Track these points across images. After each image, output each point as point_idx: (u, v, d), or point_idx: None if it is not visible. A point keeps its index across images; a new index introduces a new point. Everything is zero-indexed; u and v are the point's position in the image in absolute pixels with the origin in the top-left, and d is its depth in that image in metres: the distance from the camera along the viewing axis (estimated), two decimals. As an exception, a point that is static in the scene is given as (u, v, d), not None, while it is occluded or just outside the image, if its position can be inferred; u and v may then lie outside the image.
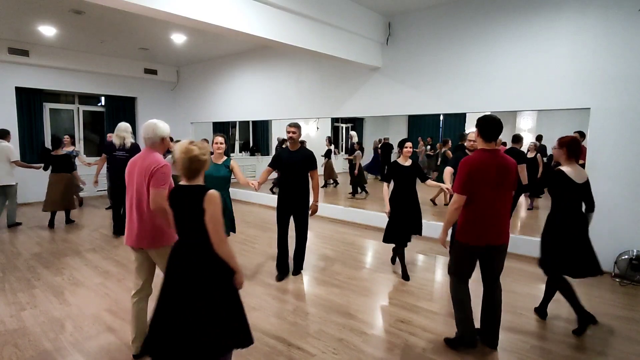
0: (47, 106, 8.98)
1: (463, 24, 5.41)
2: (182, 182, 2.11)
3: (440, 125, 12.96)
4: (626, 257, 4.28)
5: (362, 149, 9.54)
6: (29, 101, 8.51)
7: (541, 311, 3.41)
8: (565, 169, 3.08)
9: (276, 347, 2.86)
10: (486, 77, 5.25)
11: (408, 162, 4.23)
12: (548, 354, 2.82)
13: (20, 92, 8.31)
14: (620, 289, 4.09)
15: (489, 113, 2.82)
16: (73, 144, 7.53)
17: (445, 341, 2.95)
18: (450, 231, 3.27)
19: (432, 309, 3.53)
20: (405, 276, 4.28)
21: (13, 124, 8.17)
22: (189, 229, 2.04)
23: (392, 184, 4.27)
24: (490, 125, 2.66)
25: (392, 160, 7.17)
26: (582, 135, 5.07)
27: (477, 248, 2.71)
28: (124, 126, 5.86)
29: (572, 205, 3.12)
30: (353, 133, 10.39)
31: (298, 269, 4.40)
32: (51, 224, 6.46)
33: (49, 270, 4.45)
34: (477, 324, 2.89)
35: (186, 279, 1.99)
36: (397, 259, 4.50)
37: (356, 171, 9.08)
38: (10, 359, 2.69)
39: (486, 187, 2.63)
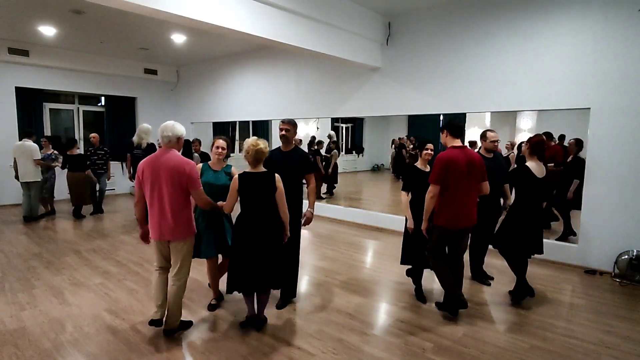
0: (47, 106, 8.98)
1: (463, 24, 5.41)
2: (249, 170, 2.94)
3: (440, 126, 12.95)
4: (626, 257, 4.28)
5: (338, 149, 9.51)
6: (29, 101, 8.51)
7: (521, 291, 3.63)
8: (529, 164, 3.54)
9: (276, 347, 2.86)
10: (486, 77, 5.26)
11: (428, 168, 3.56)
12: (548, 354, 2.82)
13: (20, 92, 8.31)
14: (620, 289, 4.09)
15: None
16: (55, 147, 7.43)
17: (436, 305, 3.51)
18: None
19: (432, 309, 3.53)
20: (421, 297, 3.72)
21: (13, 124, 8.19)
22: (260, 202, 2.90)
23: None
24: (457, 126, 3.31)
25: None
26: (550, 136, 5.71)
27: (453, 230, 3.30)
28: (145, 128, 6.55)
29: (530, 196, 3.55)
30: (332, 133, 10.32)
31: (286, 299, 3.58)
32: (78, 215, 7.17)
33: (49, 270, 4.45)
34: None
35: (264, 230, 2.89)
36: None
37: (330, 170, 9.04)
38: (10, 359, 2.69)
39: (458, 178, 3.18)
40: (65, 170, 7.08)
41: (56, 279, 4.18)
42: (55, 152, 7.17)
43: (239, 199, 2.95)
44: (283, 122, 3.47)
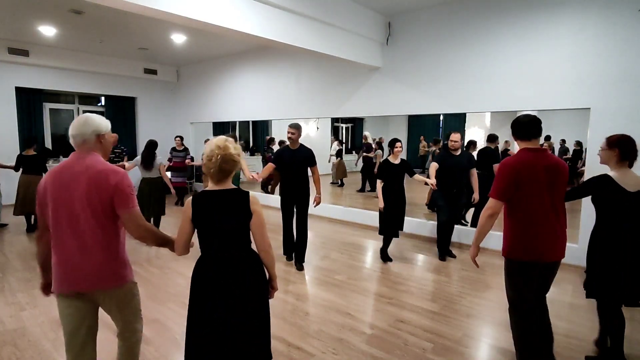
0: (47, 106, 8.98)
1: (463, 24, 5.41)
2: (210, 187, 1.90)
3: (440, 125, 12.96)
4: (626, 257, 4.25)
5: (381, 148, 9.62)
6: (29, 101, 8.51)
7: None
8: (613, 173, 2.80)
9: (276, 347, 2.86)
10: (486, 77, 5.25)
11: (397, 161, 4.65)
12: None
13: (20, 92, 8.31)
14: (620, 289, 4.08)
15: (527, 113, 2.47)
16: None
17: None
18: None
19: (432, 309, 3.53)
20: (386, 257, 4.86)
21: (13, 124, 8.19)
22: (229, 237, 1.87)
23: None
24: (525, 124, 2.38)
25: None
26: (547, 138, 5.88)
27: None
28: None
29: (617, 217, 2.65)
30: (367, 133, 10.55)
31: (300, 262, 4.63)
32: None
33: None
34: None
35: (237, 292, 1.87)
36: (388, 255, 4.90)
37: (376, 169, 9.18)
38: (10, 359, 2.69)
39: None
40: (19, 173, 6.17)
41: (56, 279, 4.18)
42: None
43: (195, 233, 1.95)
44: (290, 126, 4.46)
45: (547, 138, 5.64)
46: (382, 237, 4.89)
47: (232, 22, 4.26)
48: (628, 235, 2.49)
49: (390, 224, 4.70)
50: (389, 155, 4.76)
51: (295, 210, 4.62)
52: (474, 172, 5.01)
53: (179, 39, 7.44)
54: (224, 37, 6.18)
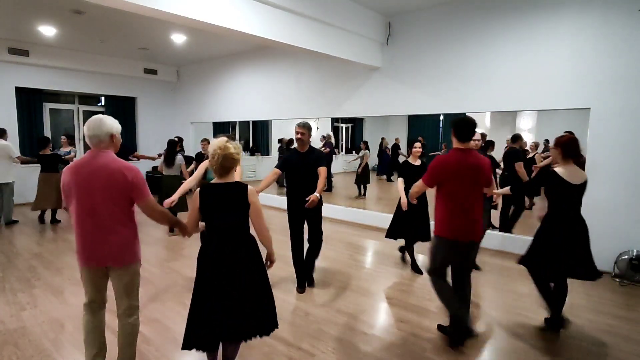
0: (47, 106, 8.98)
1: (463, 24, 5.41)
2: (216, 180, 2.28)
3: (440, 125, 12.95)
4: (626, 257, 4.28)
5: (368, 149, 9.59)
6: (29, 101, 8.51)
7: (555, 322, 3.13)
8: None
9: (276, 347, 2.86)
10: (486, 77, 5.26)
11: (417, 162, 4.40)
12: (548, 354, 2.82)
13: (20, 92, 8.32)
14: (620, 289, 4.09)
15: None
16: (71, 144, 7.30)
17: (439, 328, 3.13)
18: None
19: (432, 309, 3.53)
20: (416, 268, 4.48)
21: (13, 124, 8.18)
22: (229, 225, 2.23)
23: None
24: (462, 129, 2.83)
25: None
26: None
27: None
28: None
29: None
30: (330, 133, 10.40)
31: (310, 279, 4.04)
32: (41, 220, 6.75)
33: (49, 270, 4.45)
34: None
35: (238, 268, 2.22)
36: (406, 254, 4.73)
37: (360, 170, 9.14)
38: (10, 358, 2.69)
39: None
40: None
41: (56, 279, 4.18)
42: (75, 149, 7.06)
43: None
44: (298, 125, 3.67)
45: (516, 138, 5.64)
46: (396, 242, 4.58)
47: (232, 22, 4.26)
48: (570, 222, 2.97)
49: (403, 227, 4.39)
50: (408, 156, 4.52)
51: (306, 225, 3.86)
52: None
53: (179, 39, 7.44)
54: (224, 37, 6.18)
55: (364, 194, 9.22)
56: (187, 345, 2.22)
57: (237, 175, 3.76)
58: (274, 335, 3.03)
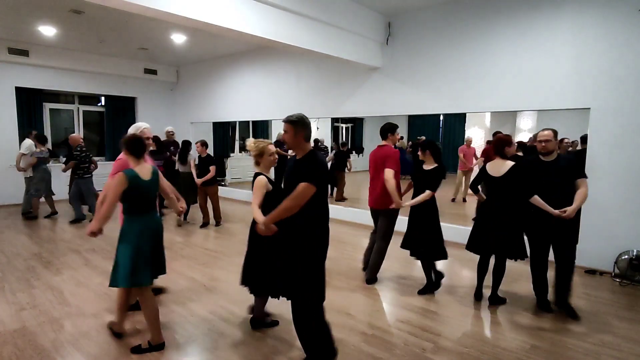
0: (47, 106, 8.99)
1: (463, 24, 5.41)
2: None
3: (440, 125, 12.97)
4: (626, 257, 4.28)
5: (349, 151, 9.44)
6: (29, 101, 8.51)
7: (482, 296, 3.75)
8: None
9: (276, 347, 2.86)
10: (486, 77, 5.25)
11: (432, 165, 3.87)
12: (548, 354, 2.82)
13: (20, 92, 8.32)
14: (620, 289, 4.09)
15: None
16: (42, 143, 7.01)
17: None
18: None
19: (432, 309, 3.53)
20: (434, 285, 3.93)
21: (13, 124, 8.19)
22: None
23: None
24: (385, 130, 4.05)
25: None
26: None
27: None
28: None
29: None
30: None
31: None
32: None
33: (49, 270, 4.45)
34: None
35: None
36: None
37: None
38: (10, 358, 2.69)
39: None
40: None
41: (56, 279, 4.18)
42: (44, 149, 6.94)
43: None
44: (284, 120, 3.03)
45: (420, 141, 6.05)
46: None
47: (232, 22, 4.26)
48: (494, 210, 3.48)
49: (411, 239, 3.88)
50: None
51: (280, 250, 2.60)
52: None
53: (179, 39, 7.44)
54: (224, 37, 6.18)
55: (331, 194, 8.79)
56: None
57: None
58: (274, 335, 3.04)
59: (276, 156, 2.95)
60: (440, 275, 3.99)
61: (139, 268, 2.66)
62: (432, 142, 3.84)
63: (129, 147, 2.71)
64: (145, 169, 2.74)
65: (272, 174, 3.02)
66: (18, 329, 3.09)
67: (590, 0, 4.43)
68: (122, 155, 2.87)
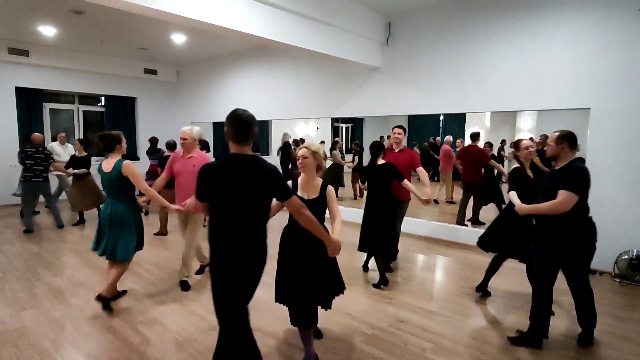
0: (47, 106, 8.98)
1: (463, 24, 5.41)
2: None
3: (440, 125, 12.95)
4: (626, 257, 4.28)
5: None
6: (29, 101, 8.51)
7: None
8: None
9: (277, 347, 2.86)
10: (486, 77, 5.25)
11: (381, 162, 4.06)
12: (548, 354, 2.82)
13: (20, 92, 8.31)
14: (620, 289, 4.09)
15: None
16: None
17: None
18: None
19: (432, 309, 3.53)
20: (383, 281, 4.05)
21: (13, 124, 8.19)
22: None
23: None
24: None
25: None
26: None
27: None
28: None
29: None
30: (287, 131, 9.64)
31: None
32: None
33: (49, 270, 4.45)
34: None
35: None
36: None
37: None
38: (10, 359, 2.69)
39: None
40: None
41: (56, 279, 4.18)
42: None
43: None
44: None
45: (474, 137, 6.41)
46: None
47: (232, 22, 4.26)
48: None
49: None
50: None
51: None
52: None
53: (179, 39, 7.44)
54: (224, 37, 6.18)
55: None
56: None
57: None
58: (274, 335, 3.04)
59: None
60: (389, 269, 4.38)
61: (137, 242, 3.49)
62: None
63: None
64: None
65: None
66: (18, 329, 3.09)
67: (590, 0, 4.44)
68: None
